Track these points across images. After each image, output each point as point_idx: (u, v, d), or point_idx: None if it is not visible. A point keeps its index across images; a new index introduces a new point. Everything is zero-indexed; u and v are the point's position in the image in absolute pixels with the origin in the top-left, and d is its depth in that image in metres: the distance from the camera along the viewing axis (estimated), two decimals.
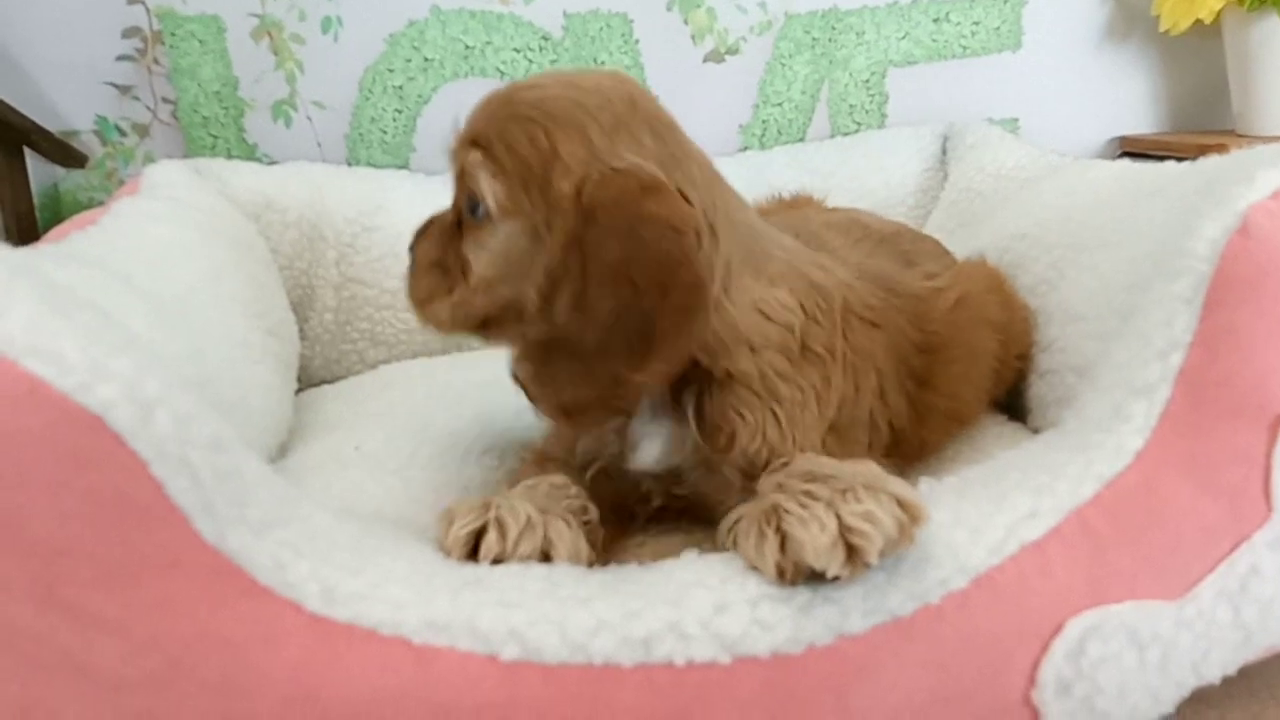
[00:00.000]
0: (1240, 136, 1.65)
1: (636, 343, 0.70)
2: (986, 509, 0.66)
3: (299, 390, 1.25)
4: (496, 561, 0.66)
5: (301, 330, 1.33)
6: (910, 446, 0.88)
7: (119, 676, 0.55)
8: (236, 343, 0.96)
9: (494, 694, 0.56)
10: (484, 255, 0.77)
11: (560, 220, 0.72)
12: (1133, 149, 1.76)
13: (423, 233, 0.85)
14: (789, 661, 0.58)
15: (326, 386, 1.34)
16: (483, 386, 1.18)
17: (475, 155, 0.75)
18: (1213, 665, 0.68)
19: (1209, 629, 0.67)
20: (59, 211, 1.53)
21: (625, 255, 0.69)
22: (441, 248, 0.81)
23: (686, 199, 0.73)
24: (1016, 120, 1.78)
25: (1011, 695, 0.62)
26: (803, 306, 0.78)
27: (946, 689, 0.61)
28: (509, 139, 0.74)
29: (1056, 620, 0.63)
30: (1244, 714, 0.77)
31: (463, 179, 0.78)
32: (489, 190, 0.75)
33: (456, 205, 0.80)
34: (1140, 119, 1.83)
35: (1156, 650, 0.65)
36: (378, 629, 0.57)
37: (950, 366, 0.91)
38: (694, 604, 0.59)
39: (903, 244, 1.04)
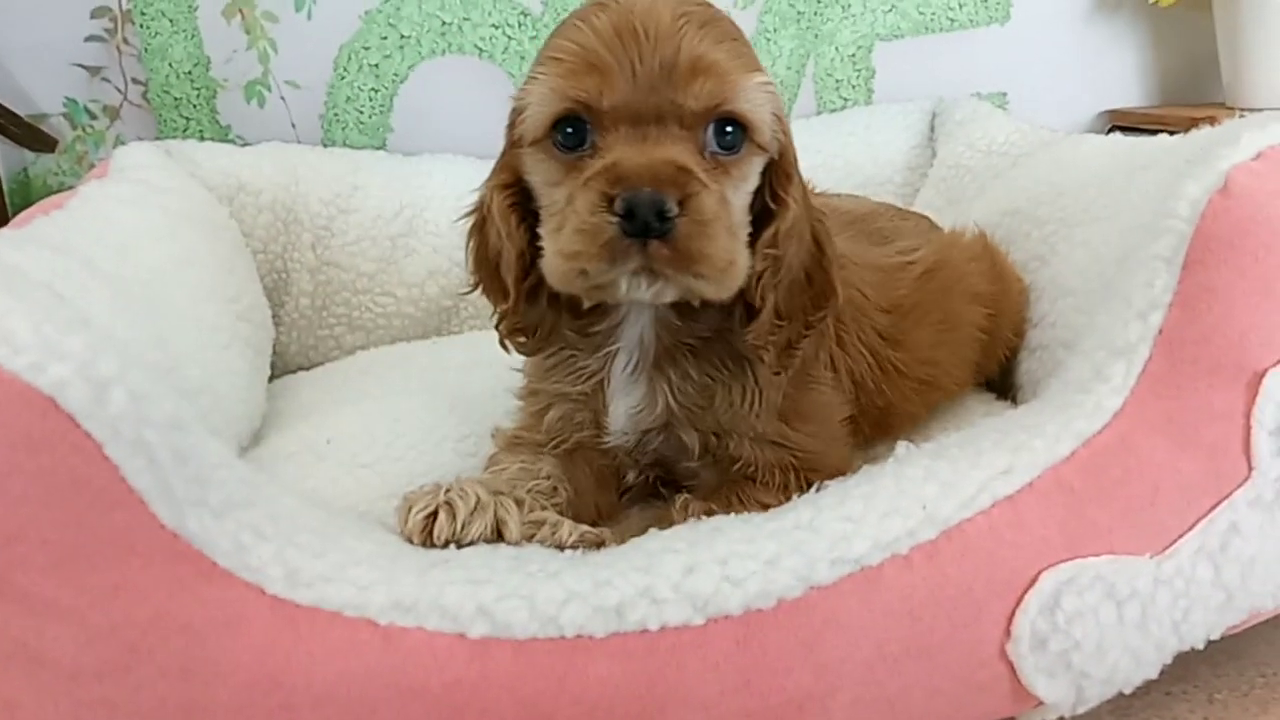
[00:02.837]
0: (1230, 109, 1.64)
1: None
2: (961, 466, 0.66)
3: (275, 377, 1.24)
4: (451, 544, 0.65)
5: (277, 316, 1.31)
6: (877, 407, 0.89)
7: (76, 665, 0.54)
8: (205, 328, 0.94)
9: (463, 672, 0.56)
10: (741, 196, 0.71)
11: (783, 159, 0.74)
12: (1122, 122, 1.75)
13: (619, 182, 0.65)
14: (761, 617, 0.59)
15: (303, 373, 1.32)
16: (461, 370, 1.17)
17: (763, 80, 0.70)
18: (1195, 626, 0.68)
19: (1189, 587, 0.67)
20: (29, 197, 1.51)
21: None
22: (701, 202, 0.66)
23: None
24: (1004, 94, 1.76)
25: (986, 648, 0.63)
26: None
27: (919, 640, 0.61)
28: (754, 65, 0.71)
29: (1030, 573, 0.63)
30: (1233, 693, 0.76)
31: (708, 113, 0.68)
32: (773, 119, 0.71)
33: (689, 146, 0.68)
34: (1130, 92, 1.82)
35: (1135, 607, 0.65)
36: (342, 611, 0.56)
37: (920, 330, 0.92)
38: (664, 568, 0.59)
39: (877, 222, 1.04)
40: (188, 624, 0.55)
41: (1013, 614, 0.62)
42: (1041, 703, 0.64)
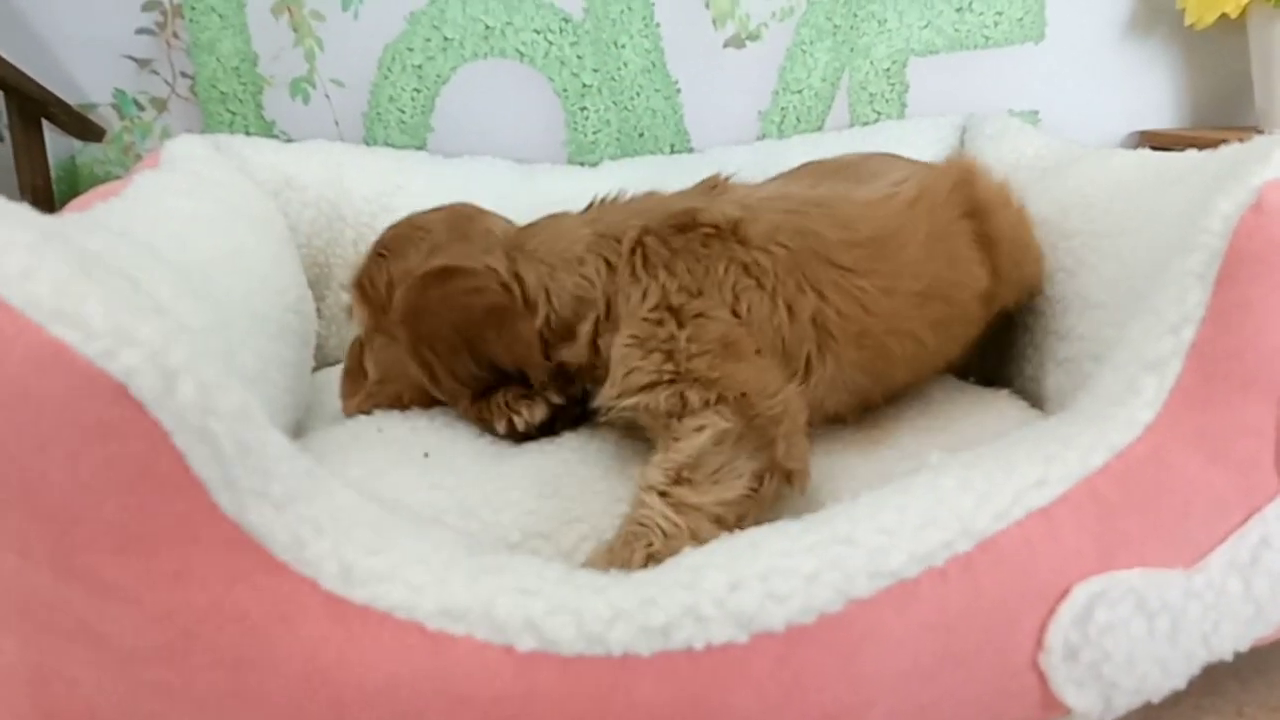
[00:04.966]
0: (1262, 134, 1.62)
1: (506, 362, 0.95)
2: (996, 477, 0.66)
3: (314, 369, 1.25)
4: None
5: (318, 309, 1.32)
6: (856, 326, 0.91)
7: (134, 647, 0.55)
8: (258, 317, 0.95)
9: (510, 686, 0.56)
10: (372, 365, 1.05)
11: (399, 329, 0.97)
12: (1154, 144, 1.74)
13: (352, 347, 1.12)
14: (802, 632, 0.58)
15: (341, 367, 1.33)
16: None
17: (354, 293, 1.05)
18: (1224, 639, 0.68)
19: (1219, 600, 0.67)
20: (75, 185, 1.53)
21: (449, 324, 0.94)
22: (355, 358, 1.10)
23: (493, 269, 0.95)
24: (1037, 112, 1.76)
25: (1019, 659, 0.63)
26: (607, 262, 0.94)
27: (953, 651, 0.61)
28: (371, 276, 1.03)
29: (1063, 585, 0.63)
30: (1261, 707, 0.77)
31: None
32: (359, 319, 1.05)
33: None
34: (1162, 114, 1.81)
35: (1165, 619, 0.65)
36: (393, 612, 0.57)
37: (902, 251, 0.94)
38: (708, 584, 0.59)
39: (870, 165, 1.12)
40: (243, 614, 0.55)
41: (1045, 625, 0.63)
42: (1070, 711, 0.65)
